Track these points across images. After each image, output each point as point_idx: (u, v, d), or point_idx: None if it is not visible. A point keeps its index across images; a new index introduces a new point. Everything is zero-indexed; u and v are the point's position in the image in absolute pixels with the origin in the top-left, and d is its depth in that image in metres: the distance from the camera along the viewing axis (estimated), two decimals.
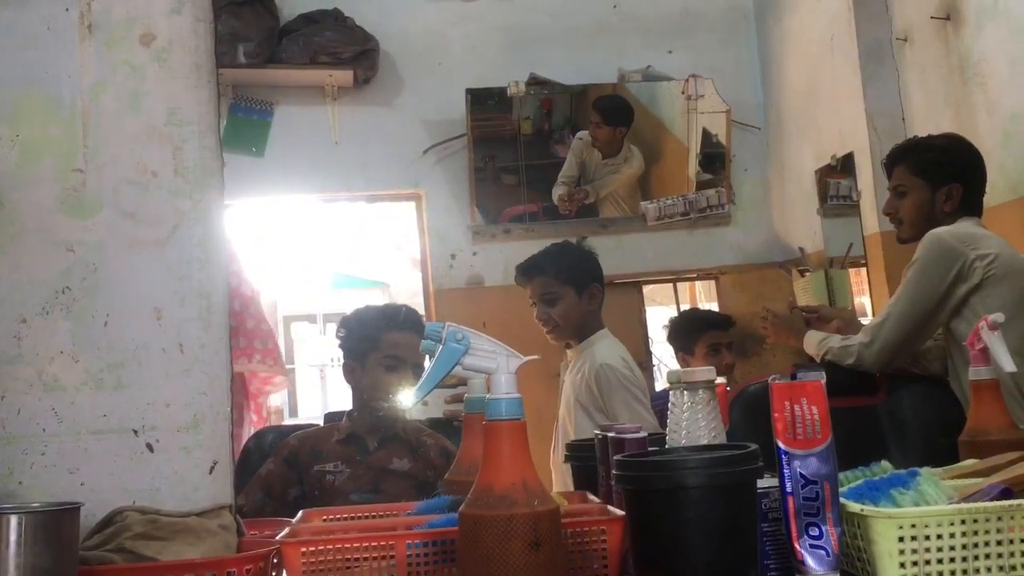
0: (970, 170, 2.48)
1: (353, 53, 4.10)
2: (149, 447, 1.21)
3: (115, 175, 1.25)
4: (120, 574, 1.07)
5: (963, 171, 2.46)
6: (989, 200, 2.91)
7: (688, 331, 3.66)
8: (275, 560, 1.14)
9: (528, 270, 2.93)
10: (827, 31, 3.82)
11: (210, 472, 1.22)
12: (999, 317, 1.57)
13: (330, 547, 1.10)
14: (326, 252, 8.05)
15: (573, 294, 2.86)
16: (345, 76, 4.15)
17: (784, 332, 2.71)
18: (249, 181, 4.09)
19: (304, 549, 1.10)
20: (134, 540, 1.11)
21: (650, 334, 4.47)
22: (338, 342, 2.42)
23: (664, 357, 4.66)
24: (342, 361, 2.42)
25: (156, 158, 1.25)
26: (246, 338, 2.92)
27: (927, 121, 3.35)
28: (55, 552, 0.96)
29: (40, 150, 1.24)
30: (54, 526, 0.97)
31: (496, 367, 1.04)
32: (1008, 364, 1.54)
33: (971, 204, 2.47)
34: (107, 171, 1.25)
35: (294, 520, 1.29)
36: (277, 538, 1.14)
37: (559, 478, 2.85)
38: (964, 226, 2.42)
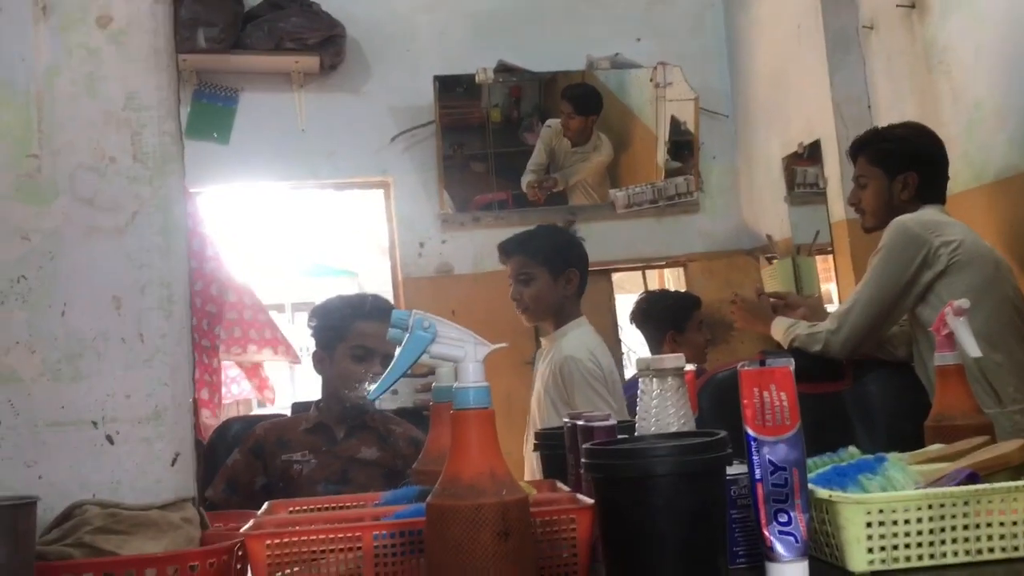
0: (926, 158, 2.50)
1: (319, 39, 4.05)
2: (109, 439, 1.18)
3: (72, 161, 1.21)
4: (79, 569, 1.04)
5: (918, 159, 2.49)
6: (953, 187, 2.94)
7: (681, 308, 3.66)
8: (240, 553, 1.12)
9: (508, 247, 2.92)
10: (794, 19, 3.83)
11: (172, 464, 1.19)
12: (964, 303, 1.58)
13: (295, 539, 1.08)
14: (295, 241, 7.98)
15: (547, 276, 2.84)
16: (311, 62, 4.10)
17: (752, 318, 2.73)
18: (214, 168, 4.04)
19: (269, 541, 1.08)
20: (93, 534, 1.08)
21: (619, 322, 4.48)
22: (309, 331, 2.40)
23: (634, 344, 4.66)
24: (312, 350, 2.40)
25: (114, 143, 1.22)
26: (260, 330, 2.88)
27: (893, 109, 3.38)
28: (11, 547, 0.94)
29: None
30: (10, 521, 0.95)
31: (464, 355, 1.03)
32: (973, 349, 1.56)
33: (930, 191, 2.49)
34: (63, 157, 1.21)
35: (259, 512, 1.27)
36: (241, 531, 1.12)
37: (530, 467, 2.85)
38: (928, 213, 2.44)
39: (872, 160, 2.55)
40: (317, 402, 2.35)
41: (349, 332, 2.28)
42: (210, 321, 2.81)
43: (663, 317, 3.66)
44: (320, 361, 2.34)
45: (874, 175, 2.54)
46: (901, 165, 2.48)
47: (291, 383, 8.64)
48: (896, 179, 2.49)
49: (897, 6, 3.27)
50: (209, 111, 4.11)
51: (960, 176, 2.98)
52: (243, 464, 2.21)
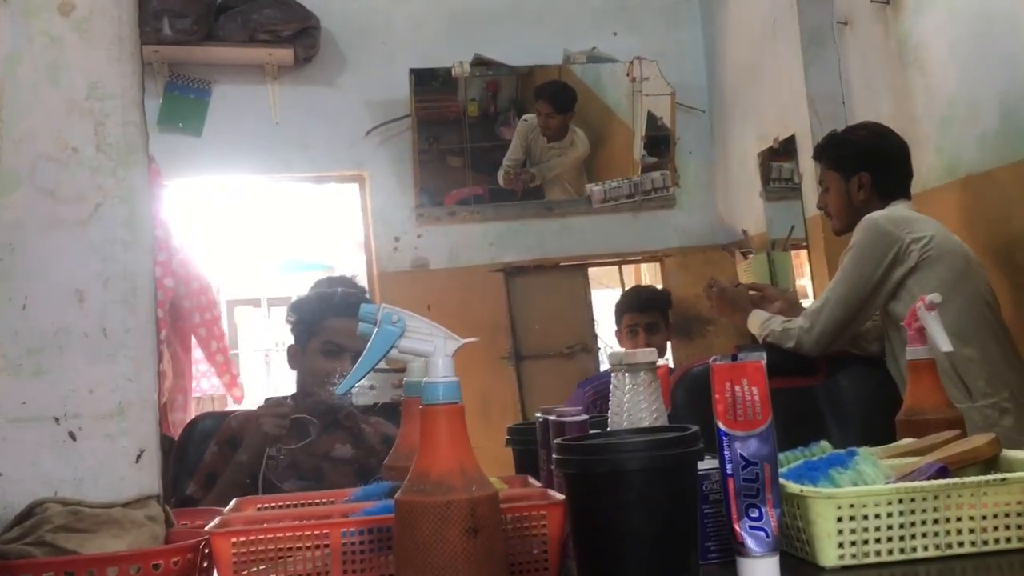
0: (876, 157, 2.53)
1: (293, 31, 4.01)
2: (71, 435, 1.16)
3: (33, 151, 1.18)
4: (39, 568, 1.02)
5: (868, 160, 2.53)
6: (926, 183, 2.96)
7: (616, 311, 3.68)
8: (205, 551, 1.10)
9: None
10: (770, 14, 3.84)
11: (136, 461, 1.17)
12: (936, 297, 1.59)
13: (261, 537, 1.06)
14: (269, 235, 7.93)
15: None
16: (285, 54, 4.06)
17: (728, 307, 2.73)
18: (187, 161, 4.00)
19: (234, 539, 1.06)
20: (55, 533, 1.06)
21: (595, 316, 4.48)
22: (288, 326, 2.38)
23: (609, 339, 4.67)
24: (288, 344, 2.38)
25: (77, 133, 1.19)
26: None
27: (867, 105, 3.39)
28: None
29: None
30: None
31: (433, 350, 1.01)
32: (945, 344, 1.56)
33: (888, 189, 2.51)
34: (24, 147, 1.18)
35: (226, 509, 1.25)
36: (206, 528, 1.10)
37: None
38: (898, 210, 2.46)
39: (829, 165, 2.61)
40: (293, 396, 2.33)
41: (321, 328, 2.26)
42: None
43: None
44: (293, 356, 2.33)
45: (832, 179, 2.59)
46: (854, 167, 2.53)
47: (266, 377, 8.60)
48: (851, 181, 2.53)
49: (872, 2, 3.29)
50: (181, 103, 4.07)
51: (933, 172, 3.00)
52: (220, 456, 2.19)
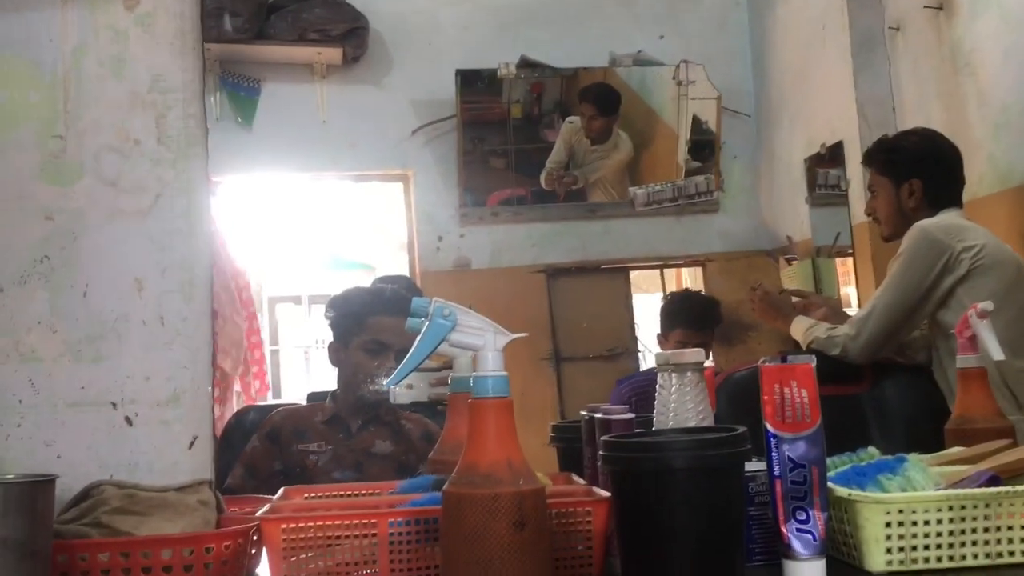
0: (928, 164, 2.49)
1: (342, 31, 4.06)
2: (128, 420, 1.19)
3: (96, 142, 1.22)
4: (96, 548, 1.04)
5: (920, 166, 2.48)
6: (978, 191, 2.92)
7: (667, 317, 3.53)
8: (255, 537, 1.12)
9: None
10: (819, 19, 3.81)
11: (190, 447, 1.20)
12: (988, 305, 1.56)
13: (311, 524, 1.08)
14: (313, 233, 8.01)
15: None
16: (334, 54, 4.11)
17: (772, 312, 2.70)
18: (235, 158, 4.06)
19: (285, 526, 1.08)
20: (111, 514, 1.09)
21: (636, 320, 4.47)
22: (327, 322, 2.39)
23: (650, 343, 4.65)
24: (328, 341, 2.39)
25: (139, 125, 1.22)
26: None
27: (918, 111, 3.35)
28: (29, 525, 0.94)
29: (20, 116, 1.21)
30: (29, 498, 0.95)
31: (483, 344, 1.02)
32: (996, 352, 1.54)
33: (939, 197, 2.47)
34: (88, 138, 1.22)
35: (275, 497, 1.27)
36: (257, 514, 1.12)
37: None
38: (949, 218, 2.42)
39: (879, 170, 2.56)
40: (333, 393, 2.35)
41: (365, 325, 2.28)
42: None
43: (660, 316, 3.50)
44: (335, 352, 2.34)
45: (882, 184, 2.55)
46: (905, 173, 2.49)
47: (306, 373, 8.69)
48: (902, 187, 2.49)
49: (924, 7, 3.25)
50: (232, 100, 4.13)
51: (985, 180, 2.96)
52: (260, 450, 2.22)
